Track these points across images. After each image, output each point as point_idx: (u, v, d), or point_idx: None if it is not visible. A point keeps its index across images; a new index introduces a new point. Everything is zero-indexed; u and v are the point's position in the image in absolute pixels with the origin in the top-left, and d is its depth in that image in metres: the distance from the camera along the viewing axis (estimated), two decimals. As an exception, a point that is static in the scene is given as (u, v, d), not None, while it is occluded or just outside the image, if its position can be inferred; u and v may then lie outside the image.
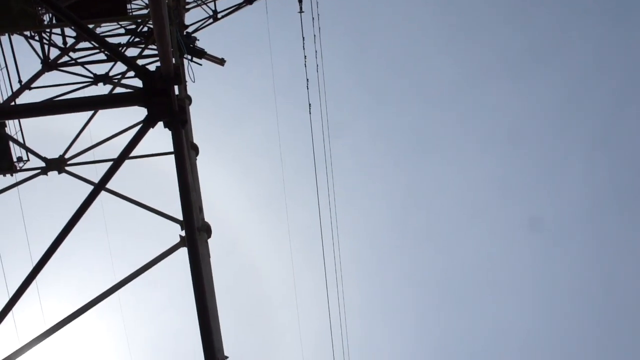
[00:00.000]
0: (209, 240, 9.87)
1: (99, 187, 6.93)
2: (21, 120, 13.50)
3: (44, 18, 15.09)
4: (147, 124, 6.46)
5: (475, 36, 35.52)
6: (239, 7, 18.40)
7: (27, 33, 15.20)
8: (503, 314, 35.42)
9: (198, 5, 18.11)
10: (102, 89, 15.53)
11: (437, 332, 36.20)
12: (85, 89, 15.43)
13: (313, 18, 17.70)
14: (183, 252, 9.67)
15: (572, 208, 35.26)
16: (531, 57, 35.38)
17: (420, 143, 36.32)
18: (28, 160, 13.51)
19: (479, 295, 36.33)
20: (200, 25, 17.91)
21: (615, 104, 34.77)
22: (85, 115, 13.97)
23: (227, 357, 7.60)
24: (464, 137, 36.57)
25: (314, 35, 17.65)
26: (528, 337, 35.65)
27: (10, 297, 7.67)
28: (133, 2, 17.73)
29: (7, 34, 13.75)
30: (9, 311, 7.74)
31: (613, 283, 35.66)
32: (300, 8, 18.02)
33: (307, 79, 17.32)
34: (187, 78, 13.06)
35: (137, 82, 14.99)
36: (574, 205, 35.04)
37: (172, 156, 6.92)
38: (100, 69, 15.80)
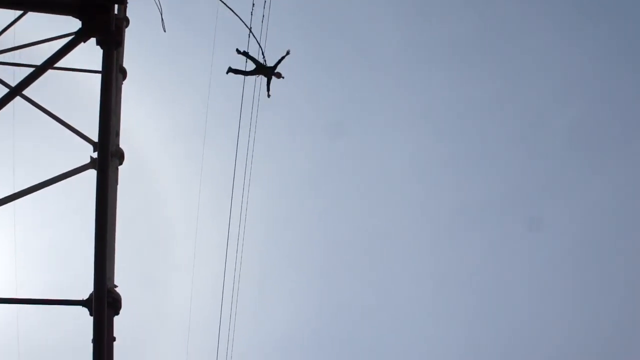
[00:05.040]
0: (120, 167, 9.67)
1: (16, 91, 6.65)
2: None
3: None
4: (79, 37, 6.22)
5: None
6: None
7: None
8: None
9: None
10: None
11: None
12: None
13: None
14: (90, 173, 9.45)
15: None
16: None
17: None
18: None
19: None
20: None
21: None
22: (11, 14, 13.22)
23: (116, 286, 7.55)
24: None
25: None
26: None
27: None
28: None
29: None
30: None
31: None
32: None
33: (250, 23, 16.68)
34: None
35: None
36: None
37: (97, 75, 6.75)
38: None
